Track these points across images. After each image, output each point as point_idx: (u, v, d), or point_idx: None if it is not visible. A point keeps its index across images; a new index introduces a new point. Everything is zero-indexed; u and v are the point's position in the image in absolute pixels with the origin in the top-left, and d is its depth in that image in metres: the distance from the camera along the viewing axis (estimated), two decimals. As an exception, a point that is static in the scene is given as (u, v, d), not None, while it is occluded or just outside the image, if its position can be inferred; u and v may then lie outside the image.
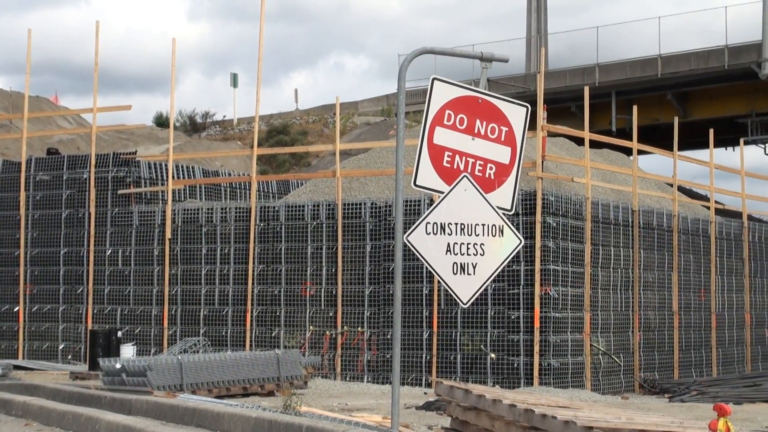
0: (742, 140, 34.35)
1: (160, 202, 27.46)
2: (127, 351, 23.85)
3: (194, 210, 26.28)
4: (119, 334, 24.49)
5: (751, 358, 29.15)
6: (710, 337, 27.31)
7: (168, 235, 26.14)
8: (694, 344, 26.65)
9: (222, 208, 25.98)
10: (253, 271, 25.03)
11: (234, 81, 61.68)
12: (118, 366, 19.20)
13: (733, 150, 58.13)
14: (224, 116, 63.24)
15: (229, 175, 33.01)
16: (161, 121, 59.31)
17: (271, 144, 50.22)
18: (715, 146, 30.51)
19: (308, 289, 24.44)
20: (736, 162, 30.86)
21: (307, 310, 24.38)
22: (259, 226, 25.19)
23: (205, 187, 29.70)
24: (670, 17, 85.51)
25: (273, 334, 24.68)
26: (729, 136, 51.68)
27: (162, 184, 27.56)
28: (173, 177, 26.96)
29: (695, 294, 26.92)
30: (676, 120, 28.61)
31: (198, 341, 24.90)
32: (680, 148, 28.00)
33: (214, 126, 61.34)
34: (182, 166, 29.63)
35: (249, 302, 24.94)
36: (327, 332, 24.00)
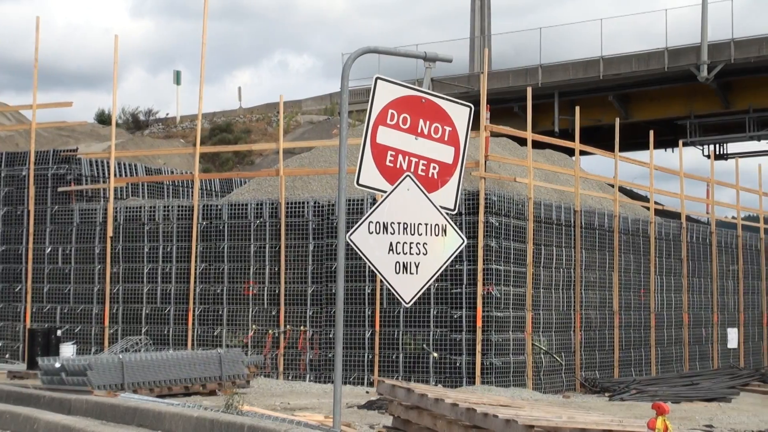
0: (681, 142, 34.74)
1: (102, 199, 27.21)
2: (67, 350, 23.59)
3: (136, 208, 26.08)
4: (59, 333, 24.21)
5: (689, 357, 29.49)
6: (649, 336, 27.59)
7: (109, 233, 25.92)
8: (633, 343, 26.91)
9: (165, 207, 25.80)
10: (196, 269, 24.89)
11: (177, 78, 61.25)
12: (57, 365, 18.99)
13: (673, 151, 58.83)
14: (167, 114, 62.82)
15: (172, 173, 32.79)
16: (103, 119, 58.77)
17: (215, 142, 49.95)
18: (655, 147, 30.83)
19: (251, 288, 24.35)
20: (676, 163, 31.24)
21: (250, 309, 24.29)
22: (201, 224, 25.06)
23: (147, 185, 29.47)
24: (612, 19, 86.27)
25: (215, 333, 24.56)
26: (669, 138, 52.32)
27: (104, 182, 27.31)
28: (115, 175, 26.72)
29: (635, 294, 27.18)
30: (617, 121, 28.87)
31: (140, 340, 24.71)
32: (621, 149, 28.26)
33: (157, 124, 60.88)
34: (124, 164, 29.38)
35: (191, 301, 24.80)
36: (269, 331, 23.93)
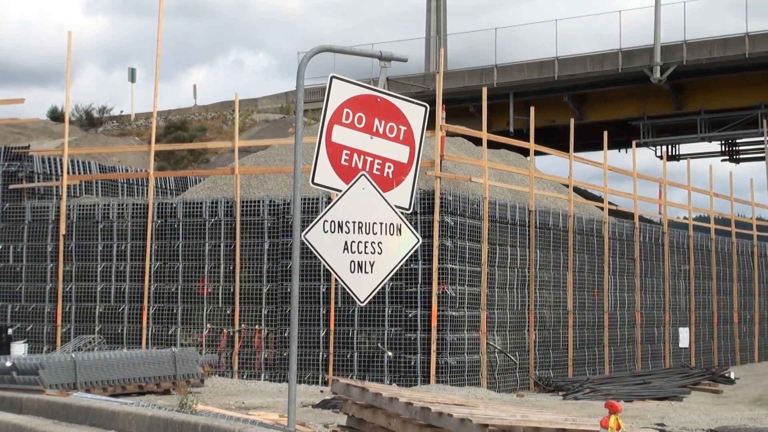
0: (634, 143, 35.03)
1: (54, 197, 26.99)
2: (18, 349, 23.38)
3: (90, 206, 25.89)
4: (10, 331, 23.99)
5: (642, 356, 29.74)
6: (603, 335, 27.79)
7: (62, 231, 25.71)
8: (587, 342, 27.09)
9: (119, 204, 25.64)
10: (150, 268, 24.75)
11: (132, 76, 60.83)
12: (8, 364, 18.80)
13: (626, 152, 59.43)
14: (122, 111, 62.34)
15: (127, 170, 32.57)
16: (56, 115, 58.21)
17: (170, 140, 49.65)
18: (609, 148, 31.05)
19: (206, 287, 24.26)
20: (629, 164, 31.50)
21: (205, 308, 24.20)
22: (156, 222, 24.92)
23: (101, 183, 29.26)
24: (567, 20, 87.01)
25: (170, 332, 24.44)
26: (622, 138, 52.75)
27: (56, 180, 27.09)
28: (68, 172, 26.51)
29: (589, 293, 27.36)
30: (572, 122, 29.04)
31: (93, 339, 24.53)
32: (576, 150, 28.43)
33: (111, 121, 60.41)
34: (78, 162, 29.15)
35: (145, 300, 24.66)
36: (224, 330, 23.85)
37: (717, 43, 47.26)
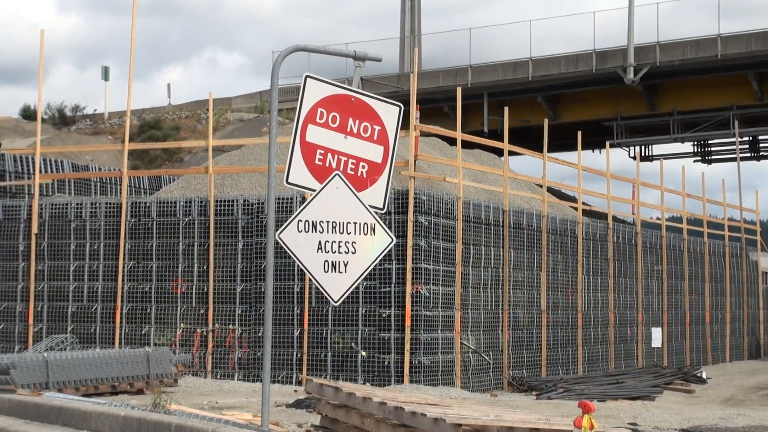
0: (608, 143, 35.16)
1: (26, 196, 26.84)
2: (-9, 349, 23.23)
3: (63, 205, 25.76)
4: (-18, 331, 23.84)
5: (615, 356, 29.86)
6: (576, 335, 27.88)
7: (34, 230, 25.56)
8: (561, 342, 27.17)
9: (92, 203, 25.52)
10: (124, 267, 24.65)
11: (105, 74, 60.53)
12: (-20, 364, 18.70)
13: (600, 152, 59.56)
14: (95, 110, 62.06)
15: (100, 169, 32.45)
16: (28, 114, 57.88)
17: (143, 139, 49.46)
18: (583, 148, 31.14)
19: (179, 287, 24.18)
20: (603, 164, 31.57)
21: (178, 308, 24.13)
22: (129, 222, 24.83)
23: (74, 182, 29.11)
24: (542, 21, 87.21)
25: (143, 332, 24.35)
26: (596, 139, 52.95)
27: (28, 178, 26.93)
28: (40, 171, 26.37)
29: (563, 293, 27.44)
30: (546, 122, 29.11)
31: (65, 339, 24.40)
32: (550, 150, 28.51)
33: (84, 120, 60.13)
34: (50, 160, 28.99)
35: (119, 299, 24.56)
36: (198, 330, 23.79)
37: (690, 44, 47.54)
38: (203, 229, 24.11)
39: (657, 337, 32.54)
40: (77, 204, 25.60)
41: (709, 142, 57.01)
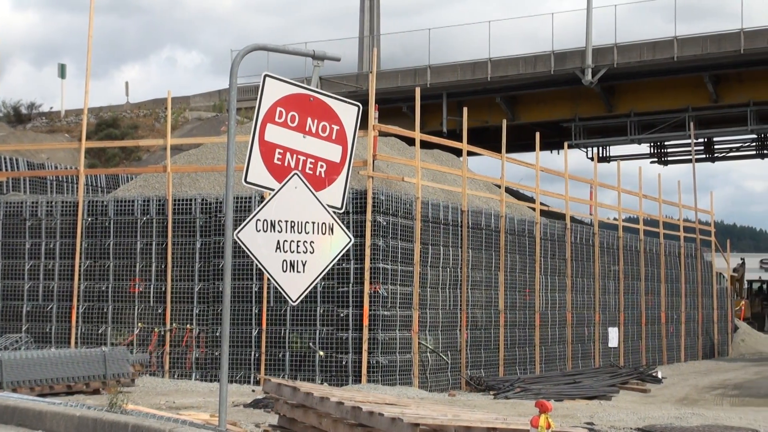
0: (566, 144, 35.36)
1: (-18, 194, 26.57)
2: (-55, 348, 22.98)
3: (18, 203, 25.53)
4: (-64, 330, 23.58)
5: (572, 356, 30.03)
6: (534, 335, 28.00)
7: (-10, 228, 25.32)
8: (518, 342, 27.28)
9: (48, 202, 25.31)
10: (80, 266, 24.48)
11: (62, 72, 60.09)
12: (-66, 364, 18.49)
13: (558, 153, 60.03)
14: (51, 108, 61.58)
15: (56, 168, 32.20)
16: (-17, 111, 57.38)
17: (101, 137, 49.13)
18: (541, 149, 31.29)
19: (137, 286, 24.05)
20: (561, 165, 31.75)
21: (136, 307, 23.99)
22: (86, 220, 24.65)
23: (30, 180, 28.86)
24: (500, 22, 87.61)
25: (100, 331, 24.19)
26: (554, 140, 53.28)
27: (-16, 177, 26.67)
28: (-4, 169, 26.13)
29: (520, 293, 27.56)
30: (504, 123, 29.21)
31: (20, 338, 24.18)
32: (508, 151, 28.61)
33: (40, 117, 59.64)
34: (5, 158, 28.72)
35: (75, 298, 24.38)
36: (155, 329, 23.66)
37: (647, 46, 47.94)
38: (161, 228, 23.99)
39: (613, 337, 32.76)
40: (33, 202, 25.39)
41: (666, 143, 57.53)
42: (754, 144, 57.31)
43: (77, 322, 24.36)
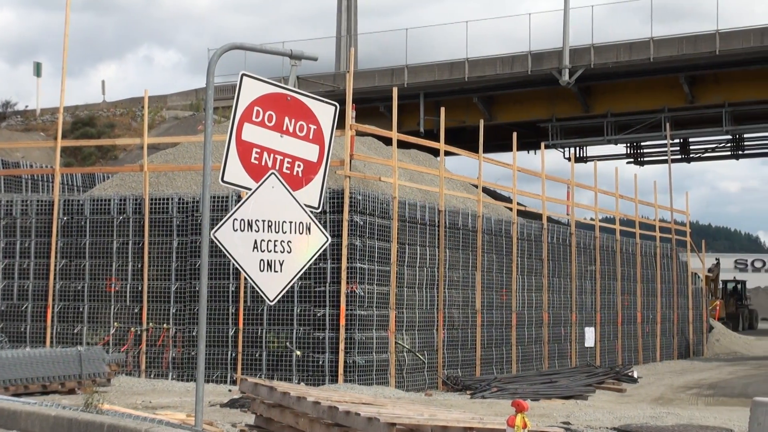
0: (543, 144, 35.43)
1: (-43, 193, 26.42)
2: None
3: (-7, 202, 25.40)
4: None
5: (548, 355, 30.10)
6: (511, 335, 28.05)
7: (-35, 227, 25.17)
8: (495, 342, 27.32)
9: (23, 201, 25.18)
10: (55, 265, 24.37)
11: (37, 70, 59.78)
12: None
13: (535, 153, 60.11)
14: (26, 106, 61.29)
15: (31, 166, 32.05)
16: (-42, 110, 57.04)
17: (77, 136, 48.93)
18: (519, 149, 31.36)
19: (113, 285, 23.96)
20: (538, 165, 31.82)
21: (112, 306, 23.90)
22: (62, 219, 24.55)
23: (5, 179, 28.72)
24: (478, 22, 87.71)
25: (75, 331, 24.08)
26: (531, 140, 53.40)
27: (-41, 175, 26.52)
28: (-29, 168, 25.99)
29: (497, 293, 27.60)
30: (481, 123, 29.24)
31: (-5, 338, 24.07)
32: (485, 151, 28.65)
33: (15, 116, 59.33)
34: (-19, 157, 28.55)
35: (50, 298, 24.27)
36: (132, 329, 23.58)
37: (623, 47, 48.13)
38: (138, 228, 23.91)
39: (590, 336, 32.86)
40: (7, 201, 25.26)
41: (642, 144, 57.80)
42: (729, 145, 57.65)
43: (52, 321, 24.25)
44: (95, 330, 23.93)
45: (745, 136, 56.14)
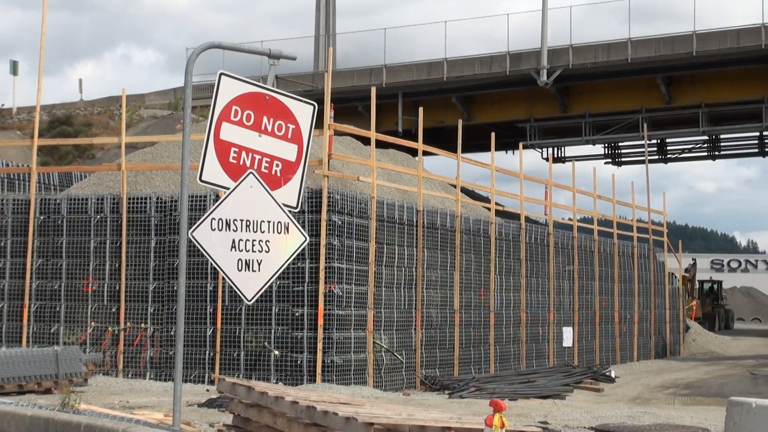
0: (521, 144, 35.50)
1: (-67, 192, 26.26)
2: None
3: (-31, 201, 25.26)
4: None
5: (526, 355, 30.16)
6: (489, 334, 28.09)
7: (-60, 226, 25.02)
8: (473, 342, 27.35)
9: (-1, 200, 25.07)
10: (32, 265, 24.25)
11: (14, 68, 59.50)
12: None
13: (513, 153, 60.13)
14: (2, 104, 61.02)
15: (7, 165, 31.87)
16: (-66, 108, 56.72)
17: (54, 135, 48.74)
18: (497, 149, 31.39)
19: (90, 285, 23.87)
20: (516, 165, 31.83)
21: (89, 306, 23.81)
22: (38, 219, 24.43)
23: (-19, 178, 28.54)
24: (457, 22, 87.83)
25: (52, 330, 23.98)
26: (509, 140, 53.46)
27: (-66, 174, 26.36)
28: (-53, 166, 25.84)
29: (475, 293, 27.63)
30: (460, 123, 29.28)
31: (-29, 338, 23.94)
32: (464, 151, 28.69)
33: (-8, 114, 59.05)
34: (-43, 156, 28.39)
35: (26, 297, 24.15)
36: (109, 328, 23.50)
37: (601, 47, 48.29)
38: (115, 227, 23.83)
39: (568, 336, 32.94)
40: (-15, 200, 25.12)
41: (620, 144, 58.00)
42: (705, 145, 57.93)
43: (29, 321, 24.14)
44: (72, 329, 23.84)
45: (722, 136, 56.43)
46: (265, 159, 11.49)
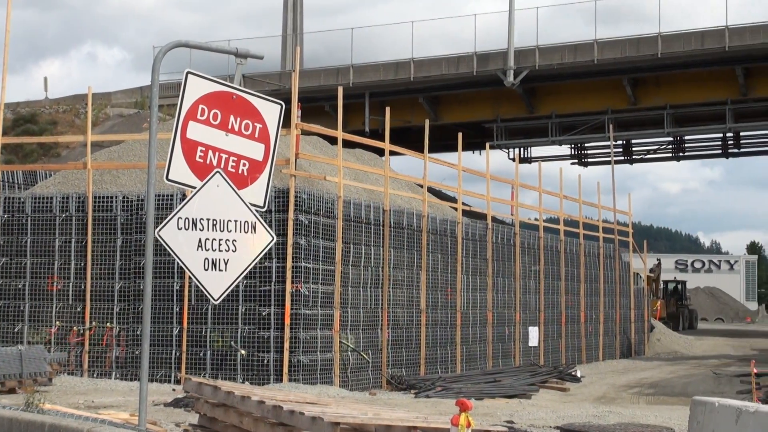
0: (488, 144, 35.62)
1: None
2: None
3: (-67, 200, 25.03)
4: None
5: (493, 355, 30.25)
6: (455, 334, 28.16)
7: None
8: (440, 341, 27.41)
9: (-37, 199, 24.86)
10: (-4, 264, 24.08)
11: (-21, 66, 58.98)
12: None
13: (480, 154, 60.46)
14: (-34, 103, 60.53)
15: (-28, 164, 31.63)
16: None
17: (18, 133, 48.39)
18: (464, 150, 31.47)
19: (55, 284, 23.73)
20: (483, 165, 31.92)
21: (54, 305, 23.67)
22: (2, 217, 24.26)
23: (-55, 176, 28.30)
24: (424, 23, 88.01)
25: (16, 330, 23.82)
26: (476, 140, 53.68)
27: None
28: None
29: (442, 292, 27.68)
30: (427, 123, 29.32)
31: (-66, 337, 23.74)
32: (430, 151, 28.73)
33: (-45, 112, 58.55)
34: None
35: (-10, 297, 23.98)
36: (74, 328, 23.37)
37: (568, 48, 48.51)
38: (81, 226, 23.71)
39: (534, 336, 33.07)
40: (-52, 199, 24.91)
41: (586, 145, 58.29)
42: (670, 147, 58.32)
43: (-7, 320, 23.96)
44: (36, 329, 23.69)
45: (686, 138, 56.84)
46: (232, 158, 11.48)
